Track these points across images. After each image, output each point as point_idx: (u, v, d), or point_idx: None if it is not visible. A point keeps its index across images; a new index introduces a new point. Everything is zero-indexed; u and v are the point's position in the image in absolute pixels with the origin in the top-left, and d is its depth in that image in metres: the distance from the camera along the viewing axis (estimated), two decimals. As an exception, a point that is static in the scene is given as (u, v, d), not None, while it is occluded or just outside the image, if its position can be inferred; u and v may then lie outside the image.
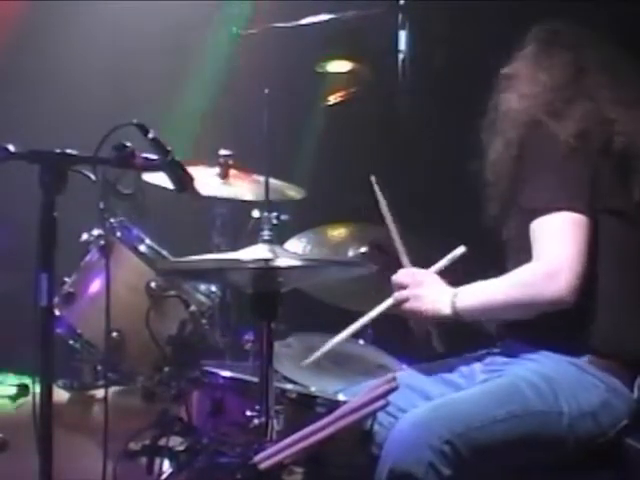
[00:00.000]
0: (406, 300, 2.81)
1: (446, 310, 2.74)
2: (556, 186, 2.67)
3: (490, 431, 2.55)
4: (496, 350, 2.86)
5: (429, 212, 3.95)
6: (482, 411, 2.58)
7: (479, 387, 2.72)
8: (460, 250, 2.88)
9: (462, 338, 2.97)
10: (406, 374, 2.89)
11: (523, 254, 2.71)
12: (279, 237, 3.31)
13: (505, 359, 2.79)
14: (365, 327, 3.00)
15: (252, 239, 2.64)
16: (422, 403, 2.76)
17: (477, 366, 2.86)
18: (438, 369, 2.89)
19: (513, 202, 2.78)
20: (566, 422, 2.61)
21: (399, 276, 2.87)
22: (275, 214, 3.29)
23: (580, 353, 2.67)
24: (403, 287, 2.83)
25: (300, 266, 2.60)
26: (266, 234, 2.58)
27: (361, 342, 3.46)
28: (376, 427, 2.55)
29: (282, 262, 2.52)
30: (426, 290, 2.80)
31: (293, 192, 3.72)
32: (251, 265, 2.51)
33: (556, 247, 2.63)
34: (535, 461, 2.62)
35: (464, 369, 2.88)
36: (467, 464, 2.50)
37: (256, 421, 2.54)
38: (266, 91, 2.77)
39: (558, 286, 2.60)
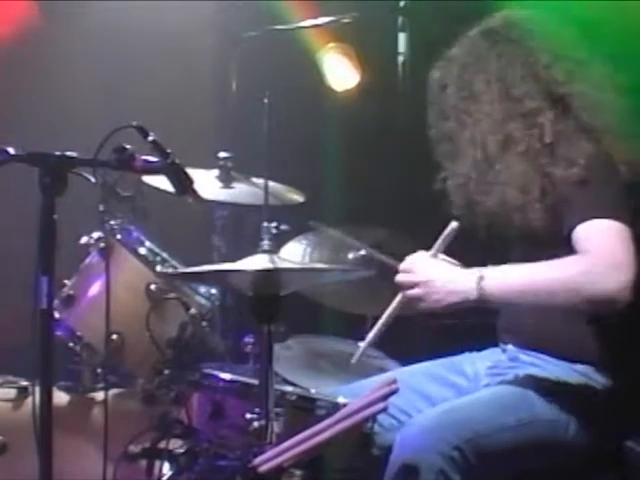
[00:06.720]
0: (419, 299, 2.62)
1: (471, 296, 2.54)
2: (614, 200, 2.58)
3: (498, 438, 2.55)
4: (501, 352, 2.85)
5: (429, 215, 3.94)
6: (491, 418, 2.58)
7: (487, 393, 2.71)
8: (453, 226, 2.65)
9: (461, 336, 2.97)
10: (406, 375, 2.88)
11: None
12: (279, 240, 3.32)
13: (510, 363, 2.79)
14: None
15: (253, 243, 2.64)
16: (423, 404, 2.76)
17: (481, 368, 2.86)
18: (440, 369, 2.89)
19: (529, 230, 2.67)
20: (572, 431, 2.61)
21: (402, 274, 2.67)
22: (275, 224, 3.29)
23: (586, 361, 2.68)
24: (410, 285, 2.65)
25: (299, 273, 2.64)
26: (266, 244, 2.58)
27: (360, 344, 3.46)
28: (376, 429, 2.54)
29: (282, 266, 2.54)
30: (439, 281, 2.59)
31: (294, 196, 3.71)
32: (251, 273, 2.53)
33: (619, 245, 2.48)
34: (540, 467, 2.62)
35: (468, 370, 2.87)
36: (474, 470, 2.50)
37: (256, 424, 2.54)
38: (265, 100, 2.77)
39: (621, 278, 2.42)
